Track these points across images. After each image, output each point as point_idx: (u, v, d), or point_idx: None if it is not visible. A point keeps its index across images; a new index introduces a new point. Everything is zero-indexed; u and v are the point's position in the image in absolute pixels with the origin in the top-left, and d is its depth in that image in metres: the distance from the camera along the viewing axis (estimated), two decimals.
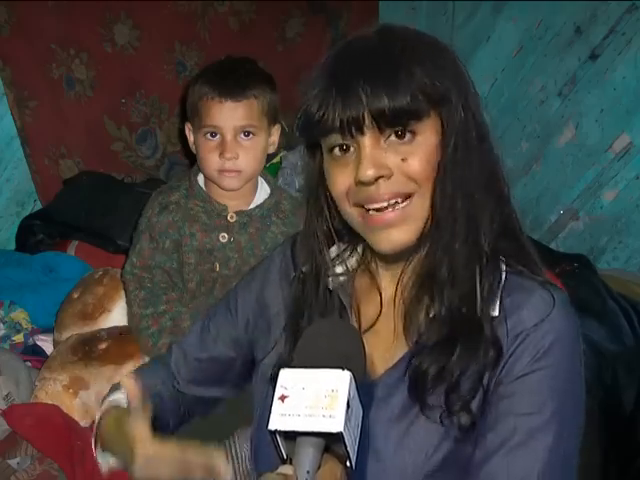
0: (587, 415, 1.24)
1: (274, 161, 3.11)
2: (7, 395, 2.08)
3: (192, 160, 2.36)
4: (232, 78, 2.13)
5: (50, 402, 2.07)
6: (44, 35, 2.83)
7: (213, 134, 2.12)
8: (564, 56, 3.12)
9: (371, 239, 1.24)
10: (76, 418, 2.05)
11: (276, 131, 2.21)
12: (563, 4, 3.08)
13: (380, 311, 1.33)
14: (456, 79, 1.23)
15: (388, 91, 1.15)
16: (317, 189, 1.32)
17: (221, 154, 2.10)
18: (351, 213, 1.24)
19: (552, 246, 3.13)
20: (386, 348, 1.30)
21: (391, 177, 1.19)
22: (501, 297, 1.25)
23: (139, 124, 3.10)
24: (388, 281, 1.34)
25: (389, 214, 1.21)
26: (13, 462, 1.86)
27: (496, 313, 1.23)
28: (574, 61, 3.10)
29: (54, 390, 2.10)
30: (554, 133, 3.17)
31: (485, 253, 1.24)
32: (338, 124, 1.17)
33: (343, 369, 0.96)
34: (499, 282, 1.25)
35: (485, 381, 1.22)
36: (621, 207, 3.05)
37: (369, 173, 1.18)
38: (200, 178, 2.21)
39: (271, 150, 2.23)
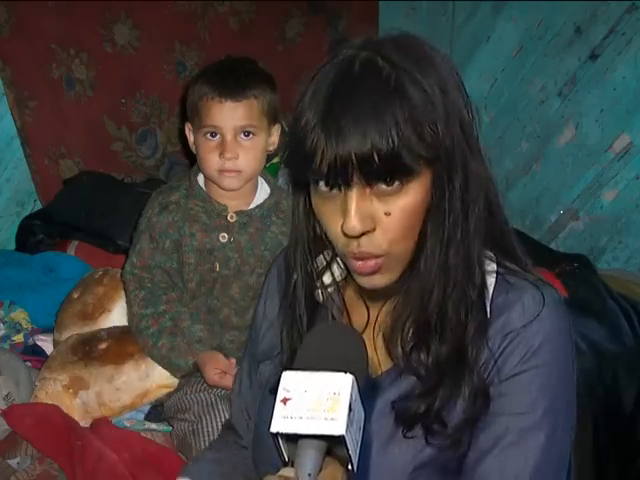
0: (587, 415, 1.25)
1: (274, 161, 3.11)
2: (7, 395, 2.08)
3: (192, 160, 2.36)
4: (232, 78, 2.13)
5: (50, 402, 2.07)
6: (44, 35, 2.83)
7: (213, 134, 2.12)
8: (564, 56, 3.12)
9: (357, 279, 1.24)
10: (76, 418, 2.05)
11: (276, 131, 2.20)
12: (563, 4, 3.08)
13: (367, 322, 1.33)
14: (453, 124, 1.17)
15: (379, 142, 1.10)
16: (302, 198, 1.29)
17: (221, 154, 2.10)
18: (339, 253, 1.24)
19: (552, 246, 3.13)
20: (373, 354, 1.30)
21: (374, 231, 1.16)
22: (492, 297, 1.25)
23: (139, 124, 3.10)
24: (371, 301, 1.34)
25: (370, 264, 1.19)
26: (13, 462, 1.86)
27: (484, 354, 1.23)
28: (574, 61, 3.10)
29: (54, 390, 2.10)
30: (554, 133, 3.17)
31: (476, 287, 1.23)
32: (325, 171, 1.14)
33: (346, 372, 0.96)
34: (486, 315, 1.24)
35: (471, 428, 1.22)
36: (621, 207, 3.05)
37: (355, 229, 1.15)
38: (200, 178, 2.21)
39: (271, 150, 2.23)
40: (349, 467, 0.96)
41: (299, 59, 3.36)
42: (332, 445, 0.96)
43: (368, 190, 1.15)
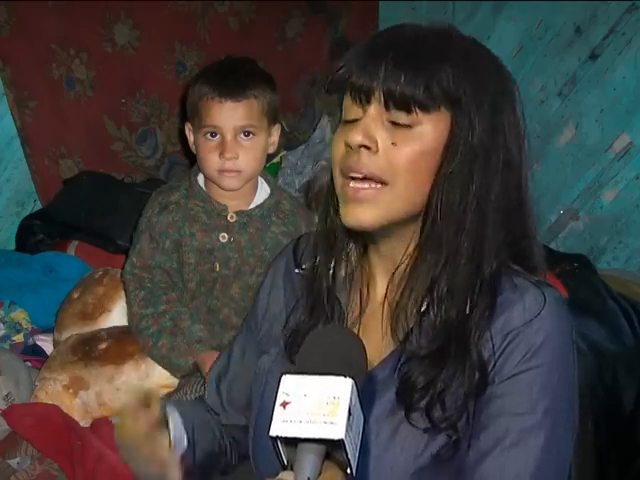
0: (587, 415, 1.25)
1: (274, 161, 3.12)
2: (7, 395, 2.08)
3: (192, 160, 2.36)
4: (232, 78, 2.13)
5: (50, 402, 2.07)
6: (44, 35, 2.83)
7: (213, 134, 2.12)
8: (564, 56, 3.12)
9: (342, 210, 1.24)
10: (76, 418, 2.05)
11: (276, 131, 2.21)
12: (563, 4, 3.08)
13: (362, 308, 1.33)
14: (488, 91, 1.22)
15: (407, 76, 1.16)
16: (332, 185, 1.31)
17: (221, 154, 2.10)
18: (337, 183, 1.25)
19: (552, 246, 3.13)
20: (375, 345, 1.30)
21: (376, 153, 1.19)
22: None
23: (139, 124, 3.10)
24: (381, 279, 1.34)
25: (362, 191, 1.20)
26: (13, 462, 1.86)
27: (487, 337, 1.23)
28: (574, 61, 3.10)
29: (54, 390, 2.10)
30: (554, 133, 3.17)
31: (489, 269, 1.24)
32: (350, 87, 1.20)
33: (345, 376, 0.96)
34: (494, 300, 1.24)
35: (471, 408, 1.22)
36: (621, 207, 3.06)
37: (356, 138, 1.19)
38: (200, 178, 2.21)
39: (271, 150, 2.24)
40: (348, 471, 0.97)
41: (299, 59, 3.36)
42: (331, 449, 0.96)
43: (385, 117, 1.19)
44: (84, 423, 2.06)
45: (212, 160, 2.12)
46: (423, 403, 1.21)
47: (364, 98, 1.20)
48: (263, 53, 2.99)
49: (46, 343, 2.41)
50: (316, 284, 1.34)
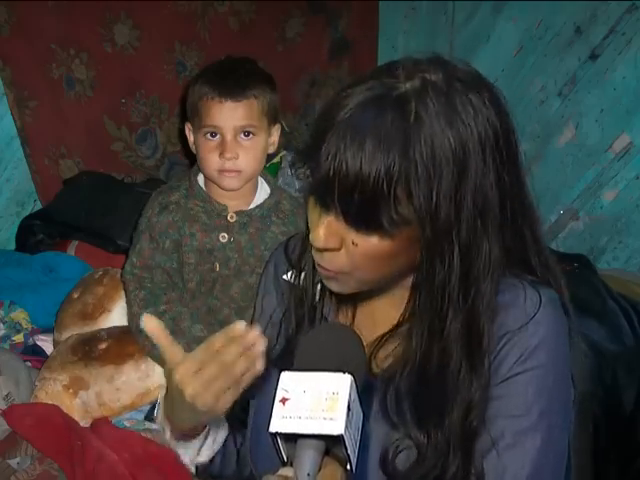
0: (587, 415, 1.24)
1: (274, 161, 3.11)
2: (7, 395, 2.07)
3: (192, 160, 2.36)
4: (232, 78, 2.13)
5: (50, 402, 2.06)
6: (44, 35, 2.83)
7: (213, 134, 2.12)
8: (564, 56, 3.12)
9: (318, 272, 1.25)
10: (76, 418, 2.05)
11: (276, 131, 2.21)
12: (563, 4, 3.08)
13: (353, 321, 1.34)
14: (461, 196, 1.11)
15: (363, 199, 1.08)
16: None
17: (221, 154, 2.10)
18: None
19: (552, 246, 3.13)
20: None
21: (338, 251, 1.16)
22: None
23: (139, 124, 3.10)
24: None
25: (330, 272, 1.20)
26: (13, 462, 1.85)
27: None
28: (574, 61, 3.10)
29: (54, 390, 2.10)
30: (554, 133, 3.17)
31: (481, 345, 1.21)
32: (315, 184, 1.14)
33: (344, 372, 0.96)
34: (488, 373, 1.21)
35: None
36: (621, 207, 3.05)
37: (319, 242, 1.15)
38: (200, 178, 2.21)
39: (271, 150, 2.24)
40: (348, 467, 0.97)
41: (299, 59, 3.36)
42: (331, 445, 0.96)
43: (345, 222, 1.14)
44: (84, 423, 2.05)
45: (212, 160, 2.12)
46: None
47: (321, 194, 1.14)
48: (263, 53, 2.99)
49: (46, 343, 2.41)
50: (303, 301, 1.35)
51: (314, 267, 1.27)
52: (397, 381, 1.23)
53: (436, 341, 1.19)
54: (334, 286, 1.23)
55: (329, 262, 1.18)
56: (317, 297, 1.34)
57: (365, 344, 1.28)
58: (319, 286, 1.34)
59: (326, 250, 1.17)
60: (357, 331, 1.18)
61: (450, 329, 1.18)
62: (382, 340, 1.28)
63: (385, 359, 1.27)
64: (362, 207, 1.09)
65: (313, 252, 1.20)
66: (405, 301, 1.25)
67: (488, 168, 1.13)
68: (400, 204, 1.09)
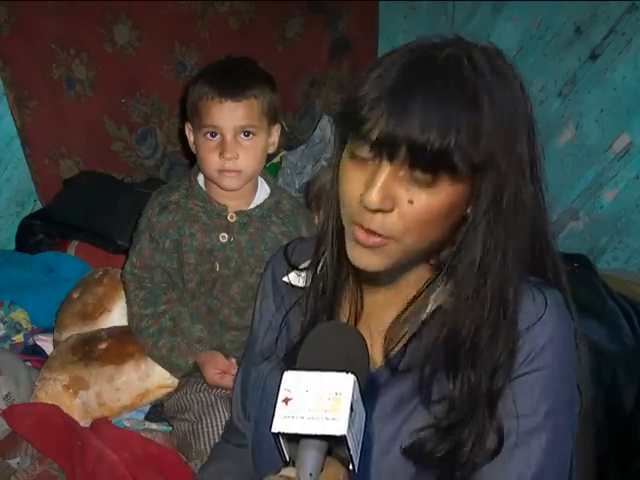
0: (587, 415, 1.25)
1: (274, 161, 3.12)
2: (7, 395, 2.07)
3: (192, 160, 2.36)
4: (232, 78, 2.13)
5: (50, 402, 2.07)
6: (44, 35, 2.83)
7: (213, 134, 2.12)
8: (564, 56, 3.12)
9: (349, 252, 1.22)
10: (76, 418, 2.05)
11: (276, 131, 2.20)
12: (563, 4, 3.08)
13: (358, 318, 1.33)
14: (510, 142, 1.16)
15: (438, 136, 1.09)
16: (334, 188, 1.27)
17: (221, 154, 2.10)
18: (345, 222, 1.22)
19: None
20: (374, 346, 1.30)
21: (390, 212, 1.15)
22: None
23: (139, 124, 3.10)
24: (368, 290, 1.34)
25: (371, 240, 1.17)
26: (13, 462, 1.86)
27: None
28: (574, 61, 3.10)
29: (54, 390, 2.10)
30: (554, 133, 3.17)
31: (507, 311, 1.22)
32: (373, 140, 1.13)
33: (347, 372, 0.96)
34: (515, 344, 1.22)
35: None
36: (621, 207, 3.06)
37: (375, 201, 1.13)
38: (200, 178, 2.21)
39: (271, 150, 2.23)
40: (350, 467, 0.97)
41: (299, 59, 3.37)
42: (333, 445, 0.96)
43: (401, 172, 1.14)
44: (84, 423, 2.05)
45: (212, 160, 2.12)
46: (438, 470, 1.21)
47: (386, 155, 1.13)
48: (263, 53, 2.99)
49: (46, 343, 2.41)
50: (320, 301, 1.34)
51: (337, 257, 1.29)
52: (426, 344, 1.24)
53: (473, 303, 1.20)
54: (373, 260, 1.19)
55: (380, 224, 1.15)
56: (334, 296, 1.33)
57: (371, 334, 1.29)
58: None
59: (379, 211, 1.14)
60: (365, 321, 1.21)
61: (488, 290, 1.19)
62: (401, 317, 1.27)
63: (395, 342, 1.28)
64: (432, 157, 1.11)
65: (359, 217, 1.17)
66: (417, 288, 1.27)
67: (526, 138, 1.19)
68: (468, 152, 1.11)
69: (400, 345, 1.27)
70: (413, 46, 1.18)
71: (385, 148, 1.12)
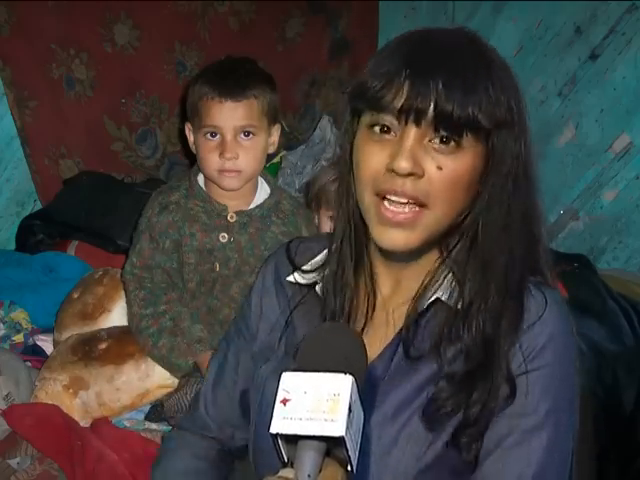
0: (587, 415, 1.25)
1: (274, 161, 3.12)
2: (7, 395, 2.07)
3: (192, 160, 2.36)
4: (232, 78, 2.13)
5: (50, 402, 2.06)
6: (44, 35, 2.83)
7: (213, 134, 2.12)
8: (564, 56, 3.12)
9: (375, 233, 1.22)
10: (76, 418, 2.05)
11: (276, 131, 2.20)
12: (563, 4, 3.09)
13: (373, 313, 1.33)
14: (519, 109, 1.21)
15: (462, 97, 1.14)
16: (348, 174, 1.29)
17: (221, 154, 2.10)
18: (368, 202, 1.22)
19: (552, 246, 3.13)
20: (377, 346, 1.30)
21: (421, 178, 1.17)
22: None
23: (139, 124, 3.10)
24: (384, 280, 1.34)
25: (401, 215, 1.19)
26: (13, 462, 1.86)
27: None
28: (574, 61, 3.10)
29: (54, 390, 2.10)
30: (554, 133, 3.17)
31: (516, 281, 1.24)
32: (399, 107, 1.15)
33: (345, 373, 0.96)
34: (522, 309, 1.25)
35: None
36: (621, 207, 3.06)
37: (406, 166, 1.15)
38: (200, 178, 2.21)
39: (271, 150, 2.23)
40: (348, 468, 0.97)
41: (299, 59, 3.37)
42: (332, 446, 0.96)
43: (426, 140, 1.16)
44: (84, 423, 2.05)
45: (212, 160, 2.12)
46: (450, 426, 1.22)
47: (413, 121, 1.15)
48: (263, 53, 2.99)
49: (46, 343, 2.41)
50: (335, 299, 1.34)
51: (356, 257, 1.31)
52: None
53: (493, 266, 1.23)
54: (402, 236, 1.20)
55: (413, 188, 1.17)
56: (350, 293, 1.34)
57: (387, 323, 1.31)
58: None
59: (410, 175, 1.16)
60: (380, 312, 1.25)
61: (506, 254, 1.23)
62: (420, 292, 1.28)
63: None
64: (459, 117, 1.15)
65: (388, 184, 1.18)
66: (429, 269, 1.28)
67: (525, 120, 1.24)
68: (494, 110, 1.17)
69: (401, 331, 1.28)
70: (416, 30, 1.24)
71: (412, 112, 1.15)
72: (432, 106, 1.14)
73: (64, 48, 2.88)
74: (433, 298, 1.27)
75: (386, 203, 1.19)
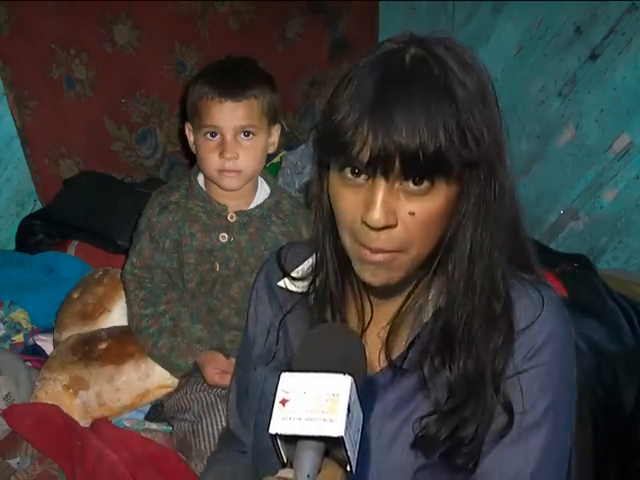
0: (587, 415, 1.25)
1: (274, 161, 3.12)
2: (7, 395, 2.07)
3: (192, 160, 2.36)
4: (232, 78, 2.13)
5: (50, 402, 2.07)
6: (44, 35, 2.83)
7: (213, 134, 2.12)
8: (564, 56, 3.12)
9: (358, 270, 1.22)
10: (76, 418, 2.05)
11: (276, 131, 2.20)
12: (563, 4, 3.09)
13: (369, 324, 1.33)
14: (494, 139, 1.18)
15: (427, 142, 1.10)
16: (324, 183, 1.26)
17: (221, 154, 2.10)
18: (348, 243, 1.21)
19: (552, 246, 3.13)
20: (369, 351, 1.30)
21: (395, 227, 1.15)
22: None
23: (139, 124, 3.10)
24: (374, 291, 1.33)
25: (379, 256, 1.17)
26: (13, 462, 1.86)
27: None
28: (574, 61, 3.10)
29: (54, 390, 2.10)
30: (554, 133, 3.17)
31: (500, 304, 1.23)
32: (365, 161, 1.12)
33: (344, 373, 0.96)
34: (512, 328, 1.23)
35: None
36: (621, 207, 3.06)
37: (379, 220, 1.13)
38: (200, 178, 2.21)
39: (271, 150, 2.23)
40: (347, 468, 0.97)
41: (299, 59, 3.37)
42: (331, 446, 0.96)
43: (396, 186, 1.14)
44: (84, 423, 2.05)
45: (212, 160, 2.12)
46: (443, 451, 1.21)
47: (381, 170, 1.12)
48: (263, 53, 2.99)
49: (46, 343, 2.41)
50: (324, 311, 1.33)
51: (340, 272, 1.29)
52: (427, 336, 1.25)
53: (465, 294, 1.21)
54: (383, 275, 1.20)
55: (388, 241, 1.15)
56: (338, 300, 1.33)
57: (380, 338, 1.30)
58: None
59: (384, 228, 1.14)
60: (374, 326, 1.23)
61: (478, 280, 1.21)
62: (402, 320, 1.28)
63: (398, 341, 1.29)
64: (427, 162, 1.11)
65: (364, 238, 1.17)
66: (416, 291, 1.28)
67: (500, 126, 1.21)
68: (459, 148, 1.12)
69: (403, 348, 1.27)
70: (373, 57, 1.18)
71: (379, 165, 1.12)
72: (399, 155, 1.10)
73: (64, 48, 2.88)
74: (425, 320, 1.26)
75: (364, 250, 1.18)
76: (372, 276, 1.20)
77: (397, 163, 1.11)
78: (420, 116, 1.10)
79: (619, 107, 3.00)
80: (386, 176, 1.13)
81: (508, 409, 1.21)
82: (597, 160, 3.07)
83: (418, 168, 1.11)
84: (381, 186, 1.13)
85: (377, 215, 1.13)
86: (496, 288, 1.22)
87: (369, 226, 1.14)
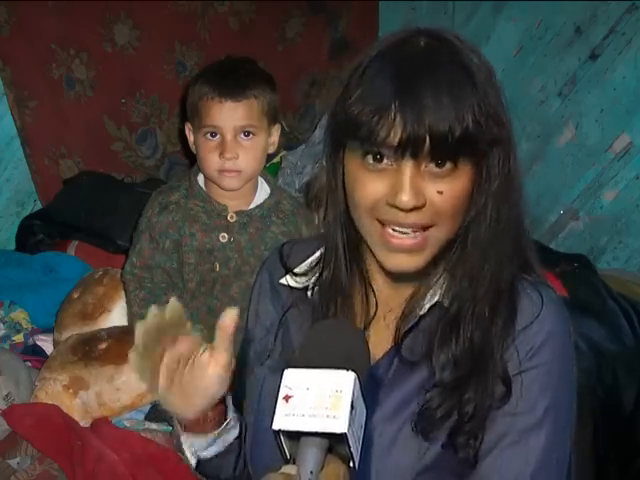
0: (587, 415, 1.25)
1: (274, 161, 3.11)
2: (7, 395, 2.07)
3: (192, 160, 2.36)
4: (232, 78, 2.13)
5: (50, 402, 2.06)
6: (44, 35, 2.83)
7: (213, 134, 2.12)
8: (564, 56, 3.12)
9: (382, 257, 1.22)
10: (76, 418, 2.04)
11: (276, 131, 2.21)
12: (563, 4, 3.08)
13: (375, 314, 1.33)
14: (507, 121, 1.21)
15: (455, 123, 1.12)
16: (336, 193, 1.27)
17: (221, 154, 2.10)
18: (369, 228, 1.21)
19: (552, 246, 3.13)
20: (378, 348, 1.30)
21: (423, 206, 1.16)
22: None
23: (139, 124, 3.10)
24: (381, 284, 1.33)
25: (408, 241, 1.18)
26: (13, 462, 1.86)
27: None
28: (574, 61, 3.10)
29: (54, 390, 2.10)
30: (554, 133, 3.17)
31: (505, 289, 1.24)
32: (395, 144, 1.13)
33: (347, 370, 0.96)
34: (515, 312, 1.25)
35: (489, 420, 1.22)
36: (621, 207, 3.06)
37: (409, 202, 1.14)
38: (200, 178, 2.21)
39: (271, 150, 2.24)
40: (351, 464, 0.97)
41: (299, 59, 3.36)
42: (334, 443, 0.96)
43: (422, 168, 1.15)
44: (84, 423, 2.05)
45: (212, 160, 2.12)
46: (445, 429, 1.22)
47: (410, 153, 1.13)
48: (263, 53, 2.99)
49: (46, 343, 2.41)
50: (329, 305, 1.33)
51: (350, 259, 1.30)
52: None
53: (477, 277, 1.23)
54: (411, 261, 1.20)
55: (417, 218, 1.16)
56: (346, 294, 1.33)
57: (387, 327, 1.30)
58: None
59: (414, 209, 1.15)
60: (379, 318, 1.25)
61: (491, 264, 1.23)
62: (413, 299, 1.28)
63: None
64: (456, 143, 1.13)
65: (393, 219, 1.17)
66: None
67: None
68: (485, 128, 1.15)
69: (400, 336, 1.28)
70: (385, 47, 1.20)
71: (409, 148, 1.13)
72: (428, 138, 1.12)
73: (64, 48, 2.88)
74: (433, 301, 1.27)
75: (390, 230, 1.18)
76: (400, 263, 1.21)
77: (427, 145, 1.12)
78: (447, 98, 1.12)
79: (619, 107, 3.00)
80: (415, 159, 1.14)
81: (506, 381, 1.21)
82: (597, 160, 3.07)
83: (447, 150, 1.13)
84: (408, 168, 1.14)
85: (406, 197, 1.14)
86: (501, 278, 1.23)
87: (398, 207, 1.15)
